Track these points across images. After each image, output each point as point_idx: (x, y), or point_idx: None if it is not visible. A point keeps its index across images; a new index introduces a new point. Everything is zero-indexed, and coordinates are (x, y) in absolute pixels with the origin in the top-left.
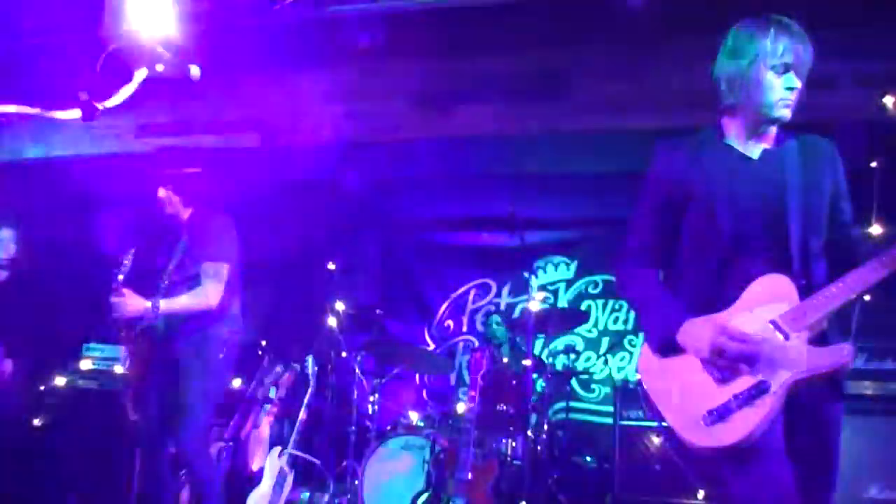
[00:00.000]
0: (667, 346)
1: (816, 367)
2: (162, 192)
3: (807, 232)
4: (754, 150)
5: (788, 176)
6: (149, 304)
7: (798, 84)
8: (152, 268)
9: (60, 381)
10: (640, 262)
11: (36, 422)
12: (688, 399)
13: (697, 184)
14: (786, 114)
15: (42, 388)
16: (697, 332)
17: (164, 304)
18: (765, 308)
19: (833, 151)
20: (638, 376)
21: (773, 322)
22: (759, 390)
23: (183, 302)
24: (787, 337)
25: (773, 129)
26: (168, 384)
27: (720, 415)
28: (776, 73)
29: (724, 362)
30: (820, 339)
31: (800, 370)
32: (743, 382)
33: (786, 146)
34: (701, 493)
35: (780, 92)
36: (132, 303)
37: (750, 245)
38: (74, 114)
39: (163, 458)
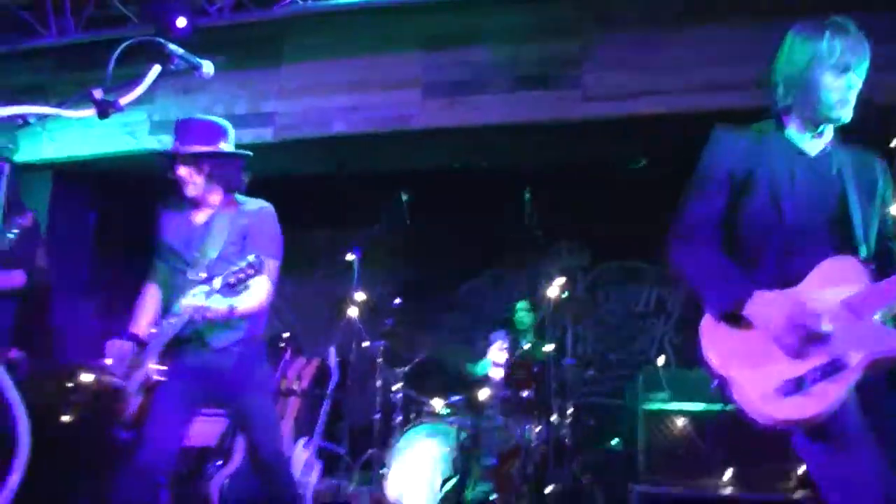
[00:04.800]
0: (731, 317)
1: (893, 348)
2: (182, 171)
3: (865, 232)
4: (812, 147)
5: (846, 178)
6: (224, 305)
7: (858, 84)
8: (180, 260)
9: (85, 378)
10: (697, 237)
11: (64, 418)
12: (760, 371)
13: (761, 170)
14: (845, 114)
15: (68, 385)
16: (769, 305)
17: (240, 306)
18: (835, 288)
19: (885, 167)
20: (704, 346)
21: (844, 302)
22: (837, 366)
23: (248, 302)
24: (859, 317)
25: (830, 130)
26: (224, 397)
27: (797, 386)
28: (834, 75)
29: (797, 337)
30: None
31: (875, 350)
32: (818, 357)
33: (841, 150)
34: (727, 475)
35: (840, 93)
36: (219, 306)
37: (811, 237)
38: (89, 112)
39: (157, 478)
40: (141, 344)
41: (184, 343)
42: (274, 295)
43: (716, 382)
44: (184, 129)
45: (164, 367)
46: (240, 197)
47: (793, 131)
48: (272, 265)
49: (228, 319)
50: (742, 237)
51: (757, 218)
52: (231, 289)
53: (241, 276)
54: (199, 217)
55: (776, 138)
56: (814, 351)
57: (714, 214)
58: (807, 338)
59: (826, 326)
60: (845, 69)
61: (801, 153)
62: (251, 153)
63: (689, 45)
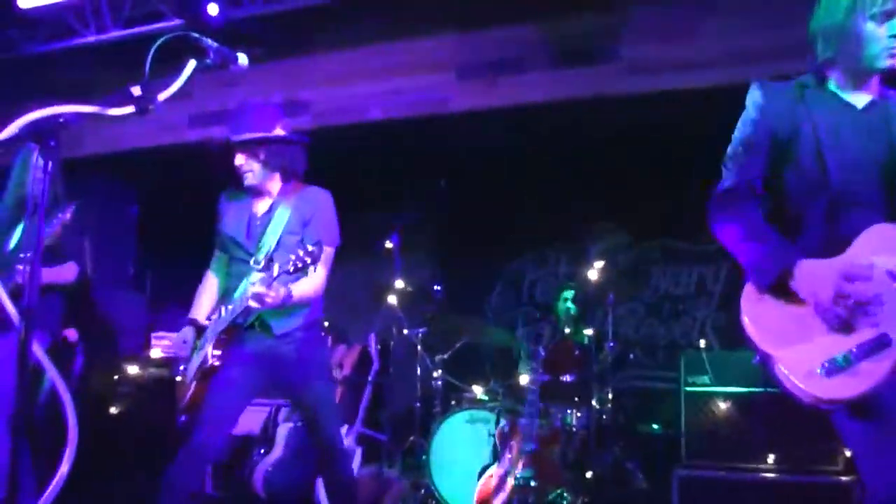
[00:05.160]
0: (775, 288)
1: None
2: (238, 160)
3: None
4: (858, 100)
5: (895, 130)
6: (282, 290)
7: None
8: (240, 249)
9: (133, 370)
10: (737, 202)
11: (112, 410)
12: (803, 347)
13: (804, 125)
14: (891, 63)
15: (116, 377)
16: (816, 275)
17: (296, 291)
18: (879, 258)
19: None
20: (745, 320)
21: (890, 272)
22: (882, 343)
23: (304, 288)
24: None
25: (875, 80)
26: (286, 383)
27: (843, 364)
28: (877, 23)
29: (843, 310)
30: None
31: None
32: (863, 333)
33: (890, 99)
34: (771, 458)
35: (884, 41)
36: (278, 292)
37: (859, 195)
38: (129, 109)
39: (208, 459)
40: (200, 329)
41: (246, 330)
42: (328, 280)
43: (757, 358)
44: (237, 116)
45: (222, 353)
46: (299, 183)
47: (835, 84)
48: (328, 252)
49: (287, 305)
50: (785, 201)
51: (801, 178)
52: (289, 276)
53: (300, 264)
54: (260, 206)
55: (819, 92)
56: (859, 326)
57: (755, 178)
58: (853, 309)
59: (873, 298)
60: (889, 16)
61: (847, 105)
62: (307, 138)
63: (726, 14)
